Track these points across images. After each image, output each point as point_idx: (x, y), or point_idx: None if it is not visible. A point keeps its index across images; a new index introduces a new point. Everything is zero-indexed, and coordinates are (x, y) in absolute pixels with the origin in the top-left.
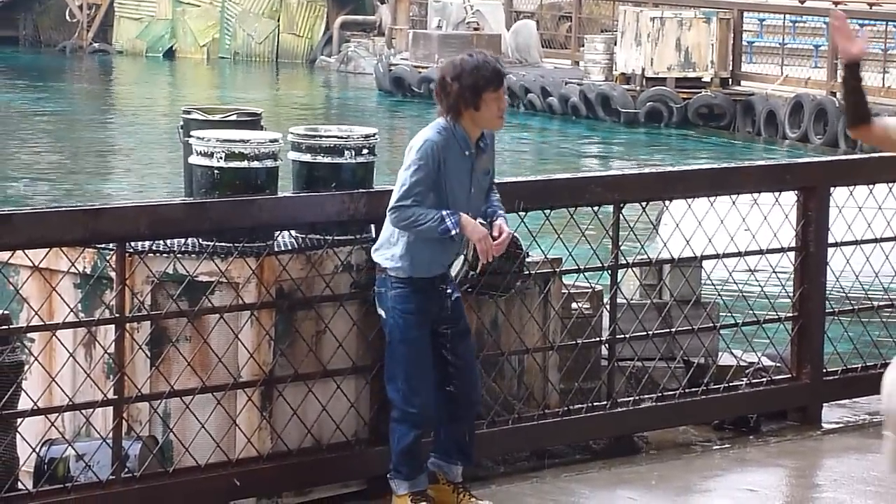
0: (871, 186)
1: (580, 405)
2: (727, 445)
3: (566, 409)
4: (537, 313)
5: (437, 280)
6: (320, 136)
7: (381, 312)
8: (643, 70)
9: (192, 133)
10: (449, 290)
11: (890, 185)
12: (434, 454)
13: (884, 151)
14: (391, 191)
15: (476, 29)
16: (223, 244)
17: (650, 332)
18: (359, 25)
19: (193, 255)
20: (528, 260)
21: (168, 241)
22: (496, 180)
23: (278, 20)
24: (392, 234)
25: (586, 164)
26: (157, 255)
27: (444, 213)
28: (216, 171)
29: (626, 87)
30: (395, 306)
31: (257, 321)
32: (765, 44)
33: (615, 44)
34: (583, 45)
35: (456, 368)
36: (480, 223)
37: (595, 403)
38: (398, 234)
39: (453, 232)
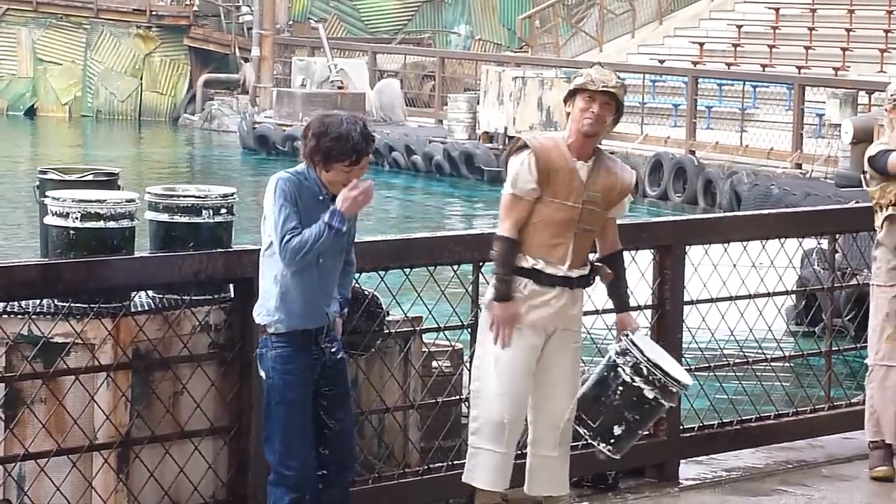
0: (725, 245)
1: (440, 463)
2: (586, 503)
3: (426, 467)
4: (397, 372)
5: (319, 334)
6: (177, 196)
7: (262, 373)
8: (506, 128)
9: (48, 193)
10: (333, 349)
11: (744, 243)
12: None
13: None
14: (249, 250)
15: (340, 88)
16: (79, 305)
17: None
18: (222, 83)
19: (48, 317)
20: (388, 319)
21: (23, 303)
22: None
23: (141, 78)
24: (266, 289)
25: (449, 223)
26: (12, 316)
27: (323, 218)
28: (72, 232)
29: (489, 145)
30: (275, 366)
31: (113, 382)
32: (625, 103)
33: (478, 103)
34: (446, 104)
35: (332, 432)
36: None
37: (455, 462)
38: (271, 287)
39: (343, 228)
